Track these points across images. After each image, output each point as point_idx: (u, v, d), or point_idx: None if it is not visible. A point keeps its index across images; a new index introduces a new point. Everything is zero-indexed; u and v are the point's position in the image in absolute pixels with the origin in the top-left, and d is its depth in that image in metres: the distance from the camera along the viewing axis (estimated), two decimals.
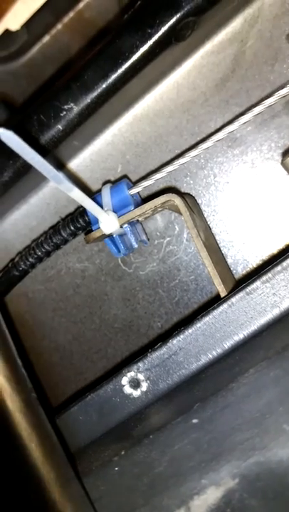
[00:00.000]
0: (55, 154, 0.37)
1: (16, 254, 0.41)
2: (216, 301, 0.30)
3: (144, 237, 0.37)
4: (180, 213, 0.34)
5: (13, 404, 0.27)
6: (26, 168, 0.35)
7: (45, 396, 0.40)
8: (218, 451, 0.30)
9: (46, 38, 0.39)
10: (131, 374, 0.31)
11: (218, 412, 0.31)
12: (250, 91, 0.36)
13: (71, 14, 0.39)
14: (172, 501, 0.31)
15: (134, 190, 0.35)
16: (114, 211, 0.34)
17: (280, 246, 0.37)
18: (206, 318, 0.30)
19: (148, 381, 0.30)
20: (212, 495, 0.30)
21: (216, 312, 0.30)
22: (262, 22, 0.35)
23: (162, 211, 0.38)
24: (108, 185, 0.36)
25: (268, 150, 0.36)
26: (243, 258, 0.37)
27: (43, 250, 0.38)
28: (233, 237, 0.37)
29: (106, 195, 0.35)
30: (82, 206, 0.36)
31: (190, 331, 0.30)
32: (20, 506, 0.26)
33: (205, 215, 0.38)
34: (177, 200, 0.33)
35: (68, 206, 0.40)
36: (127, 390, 0.31)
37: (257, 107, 0.31)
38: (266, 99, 0.31)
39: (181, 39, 0.33)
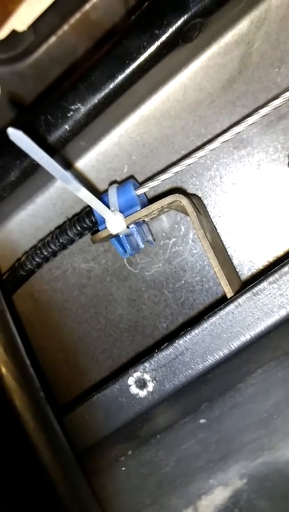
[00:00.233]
0: (62, 154, 0.37)
1: (22, 254, 0.41)
2: (221, 302, 0.30)
3: (150, 238, 0.37)
4: (186, 214, 0.34)
5: (22, 404, 0.27)
6: (33, 168, 0.35)
7: (52, 396, 0.40)
8: (226, 451, 0.30)
9: (52, 39, 0.40)
10: (137, 374, 0.31)
11: (226, 412, 0.31)
12: (256, 93, 0.36)
13: (77, 15, 0.39)
14: (180, 501, 0.31)
15: (140, 191, 0.35)
16: (121, 211, 0.34)
17: (286, 247, 0.37)
18: (213, 319, 0.30)
19: (154, 381, 0.30)
20: (220, 495, 0.30)
21: (222, 313, 0.30)
22: (269, 24, 0.35)
23: (168, 212, 0.38)
24: (115, 186, 0.36)
25: (274, 151, 0.36)
26: (248, 259, 0.37)
27: (50, 250, 0.38)
28: (239, 238, 0.37)
29: (113, 195, 0.35)
30: (88, 206, 0.36)
31: (197, 331, 0.30)
32: (29, 505, 0.26)
33: (211, 216, 0.38)
34: (184, 201, 0.33)
35: (74, 206, 0.40)
36: (134, 390, 0.31)
37: (263, 109, 0.31)
38: (272, 100, 0.31)
39: (188, 40, 0.33)
